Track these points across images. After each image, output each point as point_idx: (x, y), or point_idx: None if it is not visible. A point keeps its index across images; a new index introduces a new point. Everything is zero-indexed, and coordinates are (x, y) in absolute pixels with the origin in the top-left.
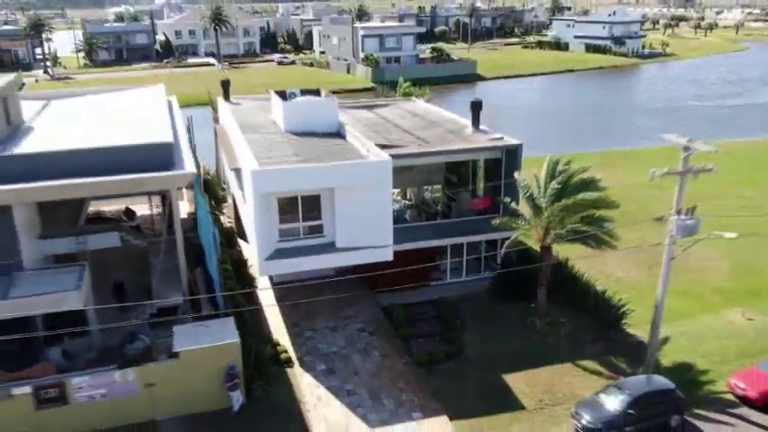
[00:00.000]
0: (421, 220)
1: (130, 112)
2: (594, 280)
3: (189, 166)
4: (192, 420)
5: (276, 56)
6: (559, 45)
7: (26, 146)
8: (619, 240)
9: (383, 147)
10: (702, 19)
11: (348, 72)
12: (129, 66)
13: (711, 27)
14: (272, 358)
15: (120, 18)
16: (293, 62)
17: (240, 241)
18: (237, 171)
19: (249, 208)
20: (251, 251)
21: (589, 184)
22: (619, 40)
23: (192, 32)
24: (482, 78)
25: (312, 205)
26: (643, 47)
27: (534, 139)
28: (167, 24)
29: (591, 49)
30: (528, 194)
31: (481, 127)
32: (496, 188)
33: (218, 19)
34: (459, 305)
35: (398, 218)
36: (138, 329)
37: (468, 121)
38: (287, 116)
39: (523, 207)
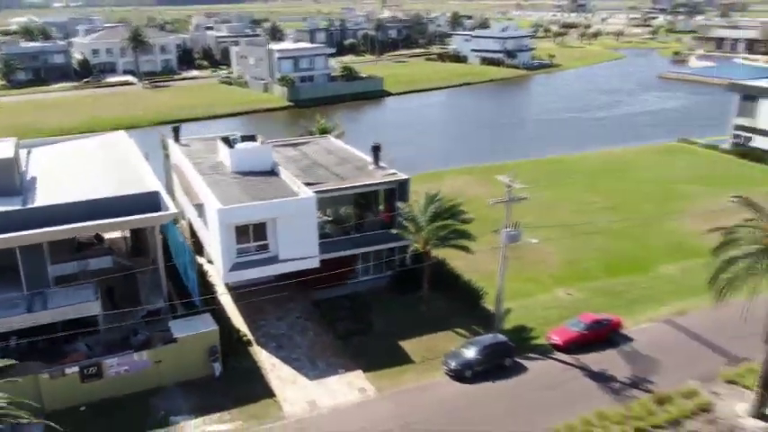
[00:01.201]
0: (338, 232)
1: (112, 160)
2: (465, 273)
3: (172, 207)
4: (186, 385)
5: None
6: (459, 57)
7: (43, 197)
8: (479, 243)
9: (308, 184)
10: (589, 27)
11: (266, 91)
12: (47, 86)
13: (596, 35)
14: (238, 340)
15: (28, 32)
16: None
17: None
18: (200, 206)
19: (213, 234)
20: (214, 264)
21: (454, 208)
22: (511, 54)
23: (109, 51)
24: (389, 94)
25: (260, 230)
26: (533, 58)
27: (429, 154)
28: (84, 44)
29: (486, 61)
30: (410, 218)
31: (380, 163)
32: (393, 208)
33: (136, 39)
34: (368, 296)
35: (323, 234)
36: (137, 326)
37: (370, 158)
38: (233, 160)
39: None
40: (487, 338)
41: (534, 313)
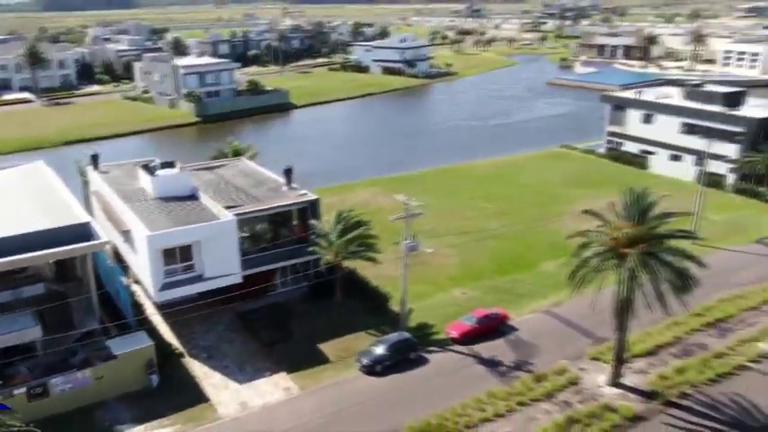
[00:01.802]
0: (257, 249)
1: (37, 192)
2: (373, 280)
3: (103, 236)
4: (127, 397)
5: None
6: (361, 68)
7: None
8: (385, 252)
9: (228, 207)
10: (483, 33)
11: (172, 107)
12: None
13: (490, 42)
14: (172, 353)
15: None
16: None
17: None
18: (126, 232)
19: (142, 257)
20: (141, 285)
21: (360, 225)
22: (410, 63)
23: (3, 67)
24: (295, 106)
25: (186, 252)
26: (431, 67)
27: (337, 167)
28: None
29: (387, 71)
30: (322, 235)
31: (292, 185)
32: (306, 225)
33: (34, 55)
34: (288, 306)
35: (243, 251)
36: (75, 348)
37: (283, 180)
38: (155, 187)
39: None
40: (394, 336)
41: (434, 312)
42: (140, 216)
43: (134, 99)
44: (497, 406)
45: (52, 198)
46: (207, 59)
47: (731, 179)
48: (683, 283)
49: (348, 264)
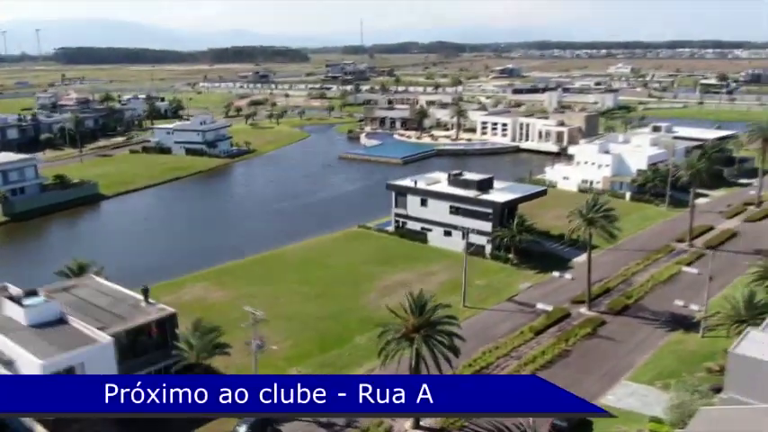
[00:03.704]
0: (124, 358)
1: None
2: (227, 370)
3: None
4: None
5: None
6: (163, 149)
7: None
8: (236, 347)
9: (100, 328)
10: (275, 104)
11: None
12: None
13: (282, 113)
14: None
15: None
16: None
17: None
18: (9, 362)
19: None
20: None
21: (213, 330)
22: (212, 144)
23: None
24: (105, 197)
25: (70, 372)
26: (232, 146)
27: (160, 261)
28: None
29: (190, 152)
30: (185, 340)
31: (150, 300)
32: (167, 333)
33: None
34: None
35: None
36: None
37: (141, 297)
38: (27, 315)
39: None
40: (251, 419)
41: None
42: (22, 345)
43: None
44: None
45: None
46: (8, 155)
47: (489, 249)
48: (452, 352)
49: (206, 361)
